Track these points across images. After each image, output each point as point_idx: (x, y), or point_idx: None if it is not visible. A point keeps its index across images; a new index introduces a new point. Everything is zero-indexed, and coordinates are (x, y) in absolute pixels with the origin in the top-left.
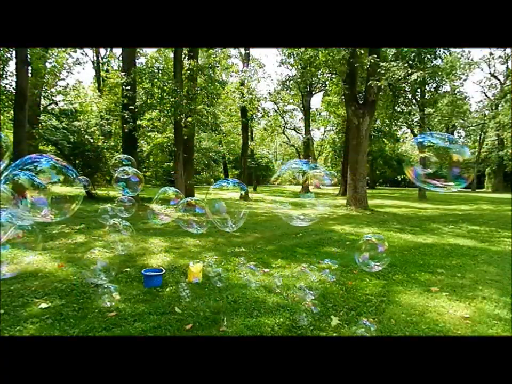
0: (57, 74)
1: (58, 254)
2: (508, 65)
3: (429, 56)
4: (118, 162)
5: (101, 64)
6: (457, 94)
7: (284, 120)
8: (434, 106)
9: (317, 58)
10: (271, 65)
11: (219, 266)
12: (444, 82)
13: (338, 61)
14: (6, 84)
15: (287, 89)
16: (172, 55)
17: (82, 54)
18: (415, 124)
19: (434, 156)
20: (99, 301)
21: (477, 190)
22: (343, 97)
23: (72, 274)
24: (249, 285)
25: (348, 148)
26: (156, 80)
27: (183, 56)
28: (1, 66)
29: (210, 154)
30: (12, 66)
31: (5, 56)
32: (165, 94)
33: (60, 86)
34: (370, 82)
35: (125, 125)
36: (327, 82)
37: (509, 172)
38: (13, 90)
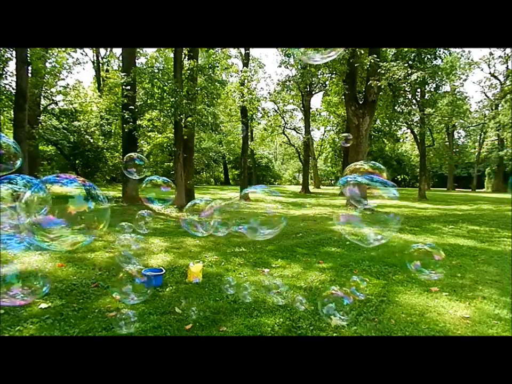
0: (57, 74)
1: (58, 254)
2: (508, 65)
3: (429, 56)
4: (130, 162)
5: (101, 64)
6: (457, 94)
7: (284, 120)
8: (434, 106)
9: None
10: (271, 65)
11: (219, 267)
12: (443, 82)
13: (338, 61)
14: (6, 84)
15: (287, 90)
16: (171, 55)
17: (82, 54)
18: (415, 124)
19: None
20: (117, 329)
21: (477, 190)
22: (343, 97)
23: (72, 274)
24: (278, 303)
25: (348, 147)
26: (155, 80)
27: (183, 56)
28: (1, 66)
29: (210, 154)
30: (12, 66)
31: (5, 56)
32: (165, 94)
33: (60, 86)
34: (370, 82)
35: (125, 125)
36: (327, 82)
37: (509, 172)
38: (12, 90)
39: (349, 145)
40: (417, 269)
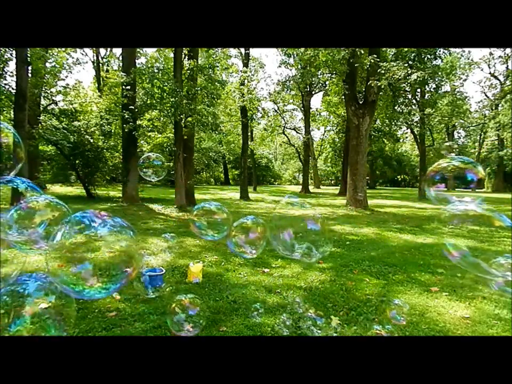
0: (57, 74)
1: (58, 254)
2: (508, 65)
3: (429, 56)
4: (147, 163)
5: (101, 64)
6: (457, 94)
7: (284, 120)
8: (434, 106)
9: (317, 58)
10: (271, 65)
11: (219, 267)
12: (443, 82)
13: (338, 61)
14: (6, 84)
15: (287, 90)
16: (172, 55)
17: (82, 54)
18: (415, 124)
19: None
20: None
21: (477, 190)
22: (343, 97)
23: (72, 274)
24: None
25: (348, 147)
26: (156, 80)
27: (183, 56)
28: (1, 66)
29: (210, 154)
30: (12, 66)
31: (5, 56)
32: (165, 94)
33: (60, 86)
34: (370, 82)
35: (125, 125)
36: (327, 82)
37: (509, 172)
38: (12, 90)
39: (453, 154)
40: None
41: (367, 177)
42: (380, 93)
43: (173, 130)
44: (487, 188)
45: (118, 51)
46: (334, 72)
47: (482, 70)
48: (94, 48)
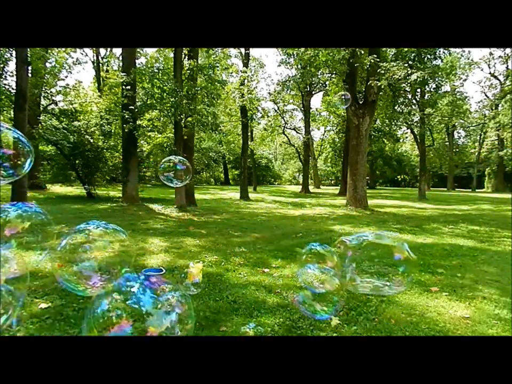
0: (57, 74)
1: (58, 254)
2: (508, 65)
3: (429, 56)
4: (168, 167)
5: (101, 64)
6: (457, 94)
7: (284, 120)
8: (434, 106)
9: (317, 58)
10: (271, 65)
11: (219, 267)
12: (443, 82)
13: (338, 61)
14: (6, 84)
15: (287, 90)
16: (172, 55)
17: (82, 54)
18: (415, 124)
19: None
20: None
21: (477, 190)
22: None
23: (72, 274)
24: None
25: (348, 147)
26: (156, 80)
27: (183, 56)
28: (1, 66)
29: (210, 154)
30: (12, 66)
31: (5, 56)
32: (165, 94)
33: (60, 86)
34: (370, 82)
35: (125, 125)
36: (327, 82)
37: (509, 172)
38: (12, 90)
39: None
40: None
41: (367, 177)
42: (380, 93)
43: (173, 130)
44: (487, 188)
45: (118, 51)
46: (334, 72)
47: (482, 70)
48: (94, 48)
